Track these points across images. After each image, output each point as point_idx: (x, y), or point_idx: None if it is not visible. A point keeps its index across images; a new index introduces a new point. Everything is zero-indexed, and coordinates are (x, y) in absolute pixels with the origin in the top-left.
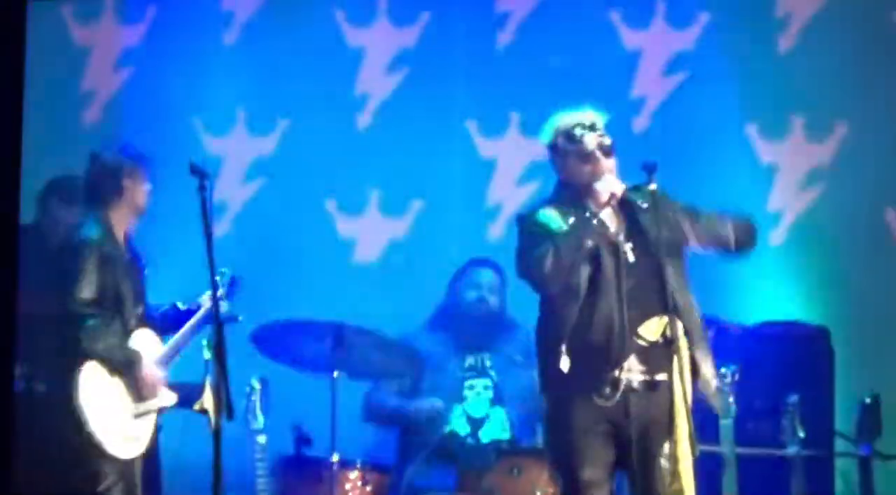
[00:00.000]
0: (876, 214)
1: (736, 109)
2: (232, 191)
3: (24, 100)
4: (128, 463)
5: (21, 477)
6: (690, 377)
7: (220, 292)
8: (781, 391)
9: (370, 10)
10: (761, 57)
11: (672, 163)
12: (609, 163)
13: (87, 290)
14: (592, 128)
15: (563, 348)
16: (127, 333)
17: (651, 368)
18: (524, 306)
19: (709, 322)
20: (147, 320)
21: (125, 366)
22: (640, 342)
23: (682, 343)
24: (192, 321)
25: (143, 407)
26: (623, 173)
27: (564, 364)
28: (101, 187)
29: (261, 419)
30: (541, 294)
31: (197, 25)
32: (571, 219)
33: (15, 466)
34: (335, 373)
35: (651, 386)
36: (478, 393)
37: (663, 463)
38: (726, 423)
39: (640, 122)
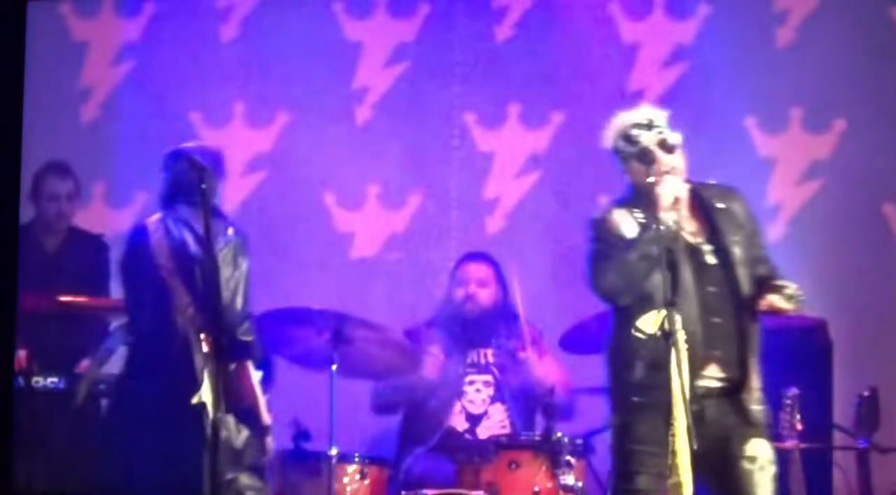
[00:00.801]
0: (874, 208)
1: (735, 102)
2: (231, 185)
3: (23, 97)
4: None
5: None
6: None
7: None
8: (780, 384)
9: (369, 3)
10: (760, 50)
11: None
12: (672, 160)
13: None
14: (649, 126)
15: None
16: None
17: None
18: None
19: None
20: None
21: None
22: (639, 335)
23: (680, 336)
24: None
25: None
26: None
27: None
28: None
29: None
30: (612, 306)
31: (195, 20)
32: (641, 225)
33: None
34: (334, 367)
35: (727, 392)
36: (477, 389)
37: (745, 465)
38: None
39: None
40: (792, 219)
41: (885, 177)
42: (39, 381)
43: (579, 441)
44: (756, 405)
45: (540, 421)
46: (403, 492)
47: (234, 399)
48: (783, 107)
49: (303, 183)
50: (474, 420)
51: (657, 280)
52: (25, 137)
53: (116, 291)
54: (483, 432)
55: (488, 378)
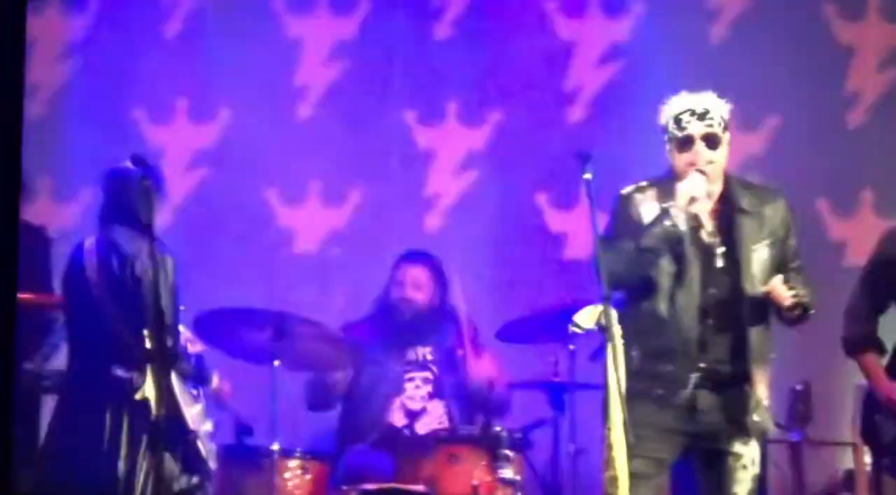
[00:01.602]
0: (808, 204)
1: (663, 100)
2: (174, 181)
3: (23, 99)
4: None
5: None
6: None
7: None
8: None
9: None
10: (694, 48)
11: (606, 154)
12: (712, 155)
13: None
14: (703, 116)
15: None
16: None
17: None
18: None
19: None
20: None
21: None
22: (576, 330)
23: (616, 331)
24: None
25: None
26: (555, 163)
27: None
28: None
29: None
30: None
31: (139, 17)
32: (657, 215)
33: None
34: (276, 363)
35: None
36: (416, 385)
37: (730, 461)
38: None
39: (575, 113)
40: None
41: (816, 174)
42: None
43: (517, 435)
44: (755, 412)
45: (479, 416)
46: (344, 487)
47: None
48: None
49: (245, 179)
50: (413, 416)
51: (665, 267)
52: None
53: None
54: (422, 428)
55: (427, 374)
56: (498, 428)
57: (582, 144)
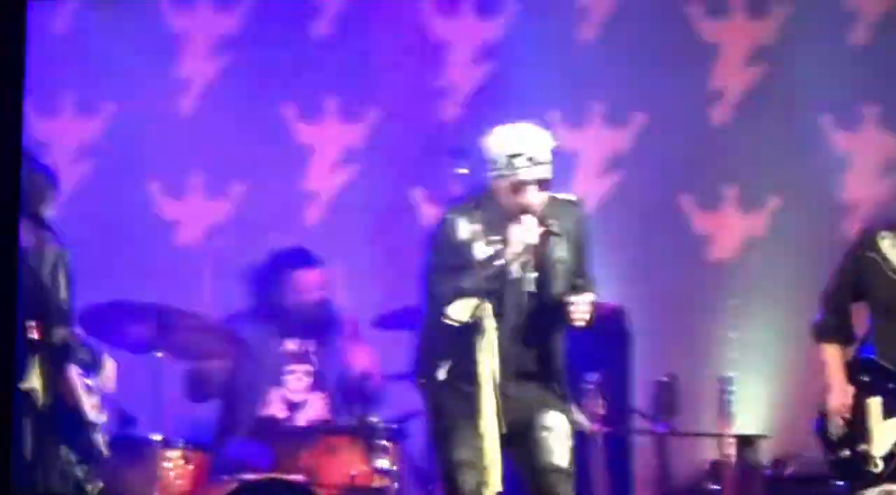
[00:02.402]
0: (671, 200)
1: (539, 98)
2: (60, 173)
3: (23, 99)
4: None
5: None
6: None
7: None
8: (583, 370)
9: None
10: (564, 47)
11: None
12: (539, 197)
13: None
14: (536, 162)
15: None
16: None
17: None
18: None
19: None
20: None
21: None
22: (450, 322)
23: (489, 323)
24: None
25: None
26: (429, 161)
27: (441, 374)
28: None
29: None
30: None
31: (28, 13)
32: (489, 251)
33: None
34: (159, 354)
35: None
36: (298, 378)
37: (542, 433)
38: None
39: (451, 110)
40: (594, 209)
41: (680, 170)
42: None
43: (394, 426)
44: (558, 386)
45: (356, 407)
46: (225, 477)
47: (60, 397)
48: (584, 102)
49: (128, 172)
50: (294, 407)
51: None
52: None
53: None
54: (302, 419)
55: (308, 367)
56: (375, 419)
57: (457, 141)
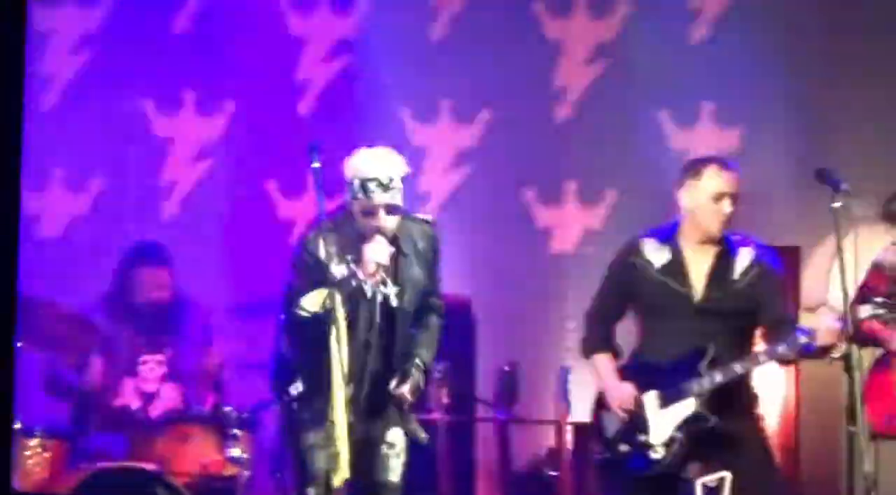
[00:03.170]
0: (516, 194)
1: (389, 94)
2: None
3: (23, 99)
4: None
5: None
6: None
7: None
8: None
9: None
10: (415, 45)
11: (335, 145)
12: (390, 220)
13: None
14: (387, 188)
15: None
16: None
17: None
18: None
19: None
20: None
21: None
22: (303, 313)
23: (340, 314)
24: None
25: None
26: (285, 152)
27: (295, 389)
28: None
29: None
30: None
31: None
32: (348, 273)
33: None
34: (18, 344)
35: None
36: (151, 368)
37: (384, 449)
38: None
39: (306, 105)
40: (442, 204)
41: (526, 164)
42: None
43: (245, 415)
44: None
45: (210, 397)
46: (81, 466)
47: None
48: (433, 98)
49: None
50: (147, 398)
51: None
52: None
53: None
54: (155, 409)
55: (161, 358)
56: (227, 409)
57: (311, 135)
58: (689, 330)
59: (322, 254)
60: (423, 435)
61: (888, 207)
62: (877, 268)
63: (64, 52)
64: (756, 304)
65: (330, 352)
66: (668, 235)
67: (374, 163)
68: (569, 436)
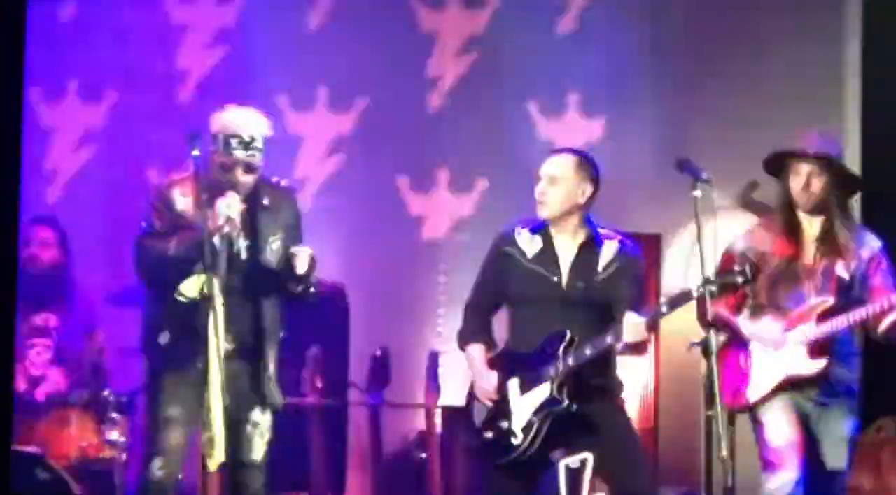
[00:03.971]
0: (389, 180)
1: (267, 83)
2: None
3: (24, 99)
4: None
5: None
6: None
7: None
8: (303, 344)
9: None
10: (292, 35)
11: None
12: (246, 179)
13: None
14: (248, 145)
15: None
16: None
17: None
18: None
19: None
20: None
21: None
22: (181, 298)
23: (217, 300)
24: None
25: None
26: (166, 140)
27: (164, 338)
28: None
29: None
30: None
31: None
32: (197, 221)
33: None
34: None
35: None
36: (38, 352)
37: (248, 428)
38: None
39: (185, 93)
40: (318, 191)
41: (399, 152)
42: None
43: (124, 399)
44: (270, 384)
45: (91, 381)
46: None
47: None
48: (310, 87)
49: None
50: (34, 382)
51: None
52: None
53: None
54: (40, 393)
55: (48, 342)
56: (106, 393)
57: (192, 123)
58: (556, 318)
59: (179, 204)
60: (279, 400)
61: (745, 196)
62: (728, 254)
63: None
64: (615, 298)
65: (207, 336)
66: (541, 225)
67: (238, 121)
68: (438, 420)
